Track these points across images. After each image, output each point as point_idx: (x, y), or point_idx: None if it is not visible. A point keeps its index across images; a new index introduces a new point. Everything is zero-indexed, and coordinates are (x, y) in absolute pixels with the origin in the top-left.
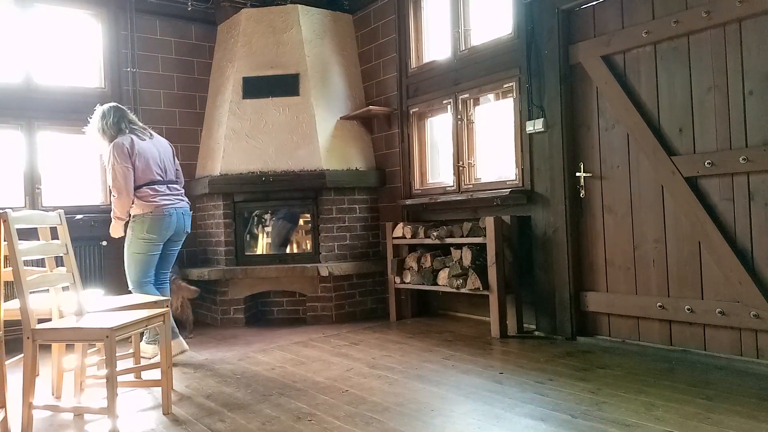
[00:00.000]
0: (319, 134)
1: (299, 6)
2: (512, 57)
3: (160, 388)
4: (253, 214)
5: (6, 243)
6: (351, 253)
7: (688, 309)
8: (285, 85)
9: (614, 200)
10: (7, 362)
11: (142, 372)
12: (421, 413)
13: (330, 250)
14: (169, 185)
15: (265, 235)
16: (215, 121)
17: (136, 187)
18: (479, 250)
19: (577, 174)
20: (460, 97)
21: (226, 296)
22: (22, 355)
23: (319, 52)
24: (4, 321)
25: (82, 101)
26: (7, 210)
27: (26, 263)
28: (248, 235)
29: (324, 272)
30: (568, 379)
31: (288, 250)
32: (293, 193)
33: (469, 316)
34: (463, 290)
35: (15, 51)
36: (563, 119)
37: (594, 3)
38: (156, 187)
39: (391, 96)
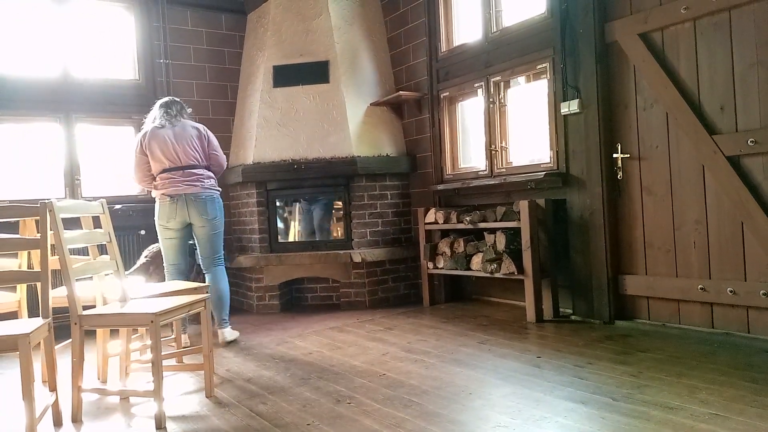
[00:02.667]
0: (349, 121)
1: None
2: (546, 37)
3: (202, 372)
4: (286, 202)
5: (52, 232)
6: (383, 239)
7: (731, 291)
8: (315, 73)
9: (653, 181)
10: (55, 347)
11: (183, 357)
12: (460, 396)
13: (362, 237)
14: (186, 170)
15: (297, 223)
16: (247, 110)
17: (156, 175)
18: (513, 235)
19: (614, 155)
20: (492, 79)
21: (261, 283)
22: (70, 340)
23: (348, 39)
24: (52, 308)
25: (117, 93)
26: (52, 200)
27: (71, 252)
28: (281, 223)
29: (357, 258)
30: (608, 362)
31: (321, 237)
32: (325, 180)
33: (503, 301)
34: (497, 275)
35: (52, 45)
36: (599, 99)
37: None
38: (168, 174)
39: (422, 80)
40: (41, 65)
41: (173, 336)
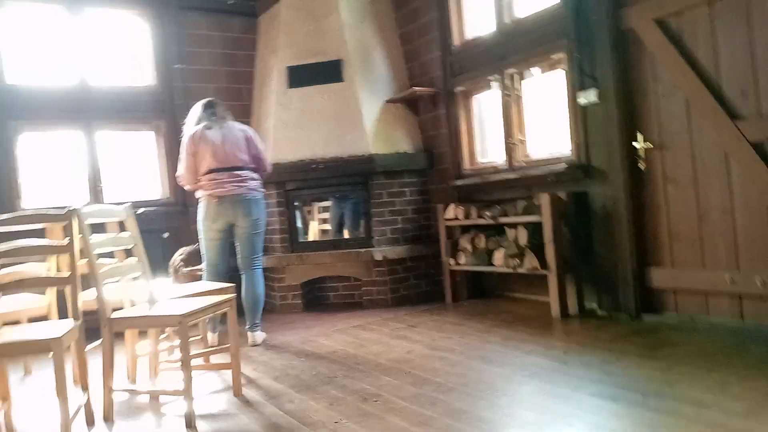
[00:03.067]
0: (365, 119)
1: None
2: (560, 26)
3: (228, 371)
4: (305, 201)
5: (80, 237)
6: (403, 237)
7: (761, 281)
8: (329, 72)
9: (676, 170)
10: (86, 348)
11: (210, 356)
12: (486, 393)
13: (382, 234)
14: (233, 171)
15: (317, 222)
16: (263, 111)
17: (201, 175)
18: (535, 229)
19: (635, 145)
20: (507, 72)
21: (284, 282)
22: (99, 341)
23: (360, 36)
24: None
25: (136, 99)
26: (78, 206)
27: (98, 256)
28: (301, 223)
29: (378, 256)
30: (636, 357)
31: (341, 236)
32: (343, 178)
33: (526, 297)
34: (520, 270)
35: (69, 55)
36: (617, 88)
37: None
38: (214, 175)
39: (436, 76)
40: (60, 75)
41: (200, 336)
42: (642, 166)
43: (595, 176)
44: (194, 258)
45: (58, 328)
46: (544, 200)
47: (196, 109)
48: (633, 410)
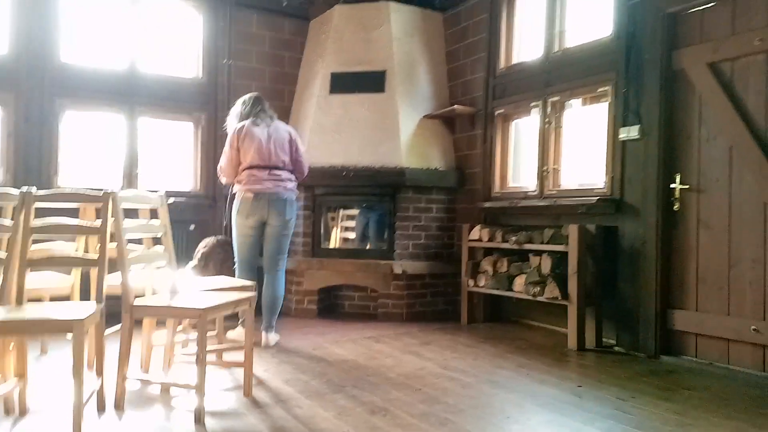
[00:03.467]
0: (401, 131)
1: (391, 3)
2: (609, 60)
3: (240, 370)
4: (332, 207)
5: (113, 220)
6: (425, 253)
7: None
8: (371, 82)
9: (711, 215)
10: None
11: (223, 353)
12: (496, 418)
13: (405, 248)
14: (272, 170)
15: (341, 229)
16: (302, 114)
17: (241, 170)
18: (560, 259)
19: (672, 186)
20: (550, 100)
21: (302, 287)
22: (117, 327)
23: (407, 50)
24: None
25: (180, 90)
26: (115, 190)
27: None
28: (325, 228)
29: (398, 270)
30: (652, 398)
31: (363, 246)
32: (372, 188)
33: (543, 326)
34: (540, 298)
35: (122, 39)
36: (661, 127)
37: (703, 7)
38: (254, 171)
39: (477, 96)
40: (110, 58)
41: (216, 331)
42: (676, 207)
43: (627, 212)
44: (217, 251)
45: (80, 309)
46: (572, 231)
47: (244, 103)
48: None
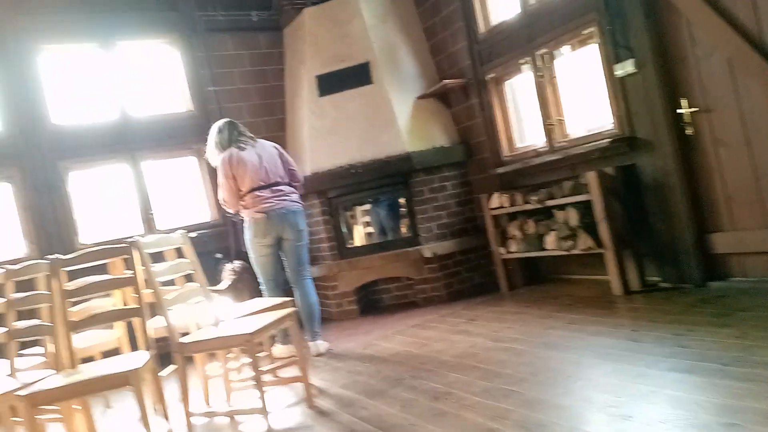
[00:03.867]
0: (398, 118)
1: None
2: (587, 1)
3: (299, 384)
4: (348, 207)
5: (143, 268)
6: (450, 231)
7: None
8: (357, 76)
9: (726, 132)
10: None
11: (278, 371)
12: (559, 380)
13: (429, 231)
14: (273, 187)
15: (362, 226)
16: (297, 123)
17: (242, 196)
18: (585, 208)
19: (679, 111)
20: (537, 53)
21: (337, 290)
22: (169, 367)
23: (384, 36)
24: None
25: (175, 126)
26: (137, 238)
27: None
28: (347, 228)
29: (427, 254)
30: (709, 327)
31: (388, 237)
32: (383, 180)
33: (583, 278)
34: (574, 251)
35: (108, 90)
36: (654, 56)
37: None
38: (257, 193)
39: (465, 66)
40: (101, 110)
41: (266, 352)
42: (689, 131)
43: (641, 148)
44: (245, 276)
45: (133, 360)
46: (591, 178)
47: (220, 132)
48: (713, 380)
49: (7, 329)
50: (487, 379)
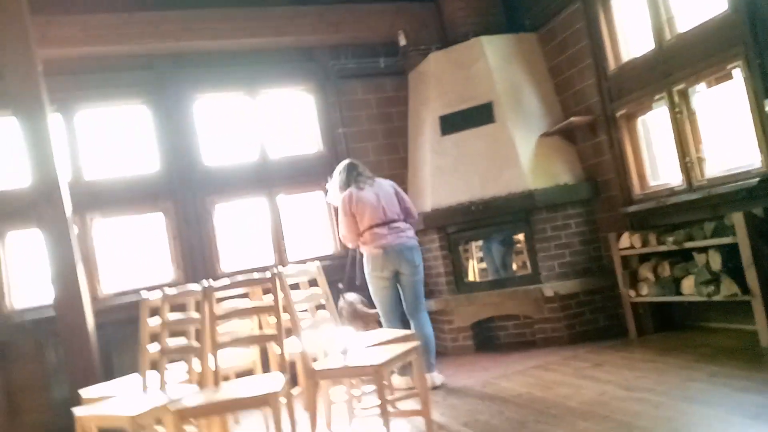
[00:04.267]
0: (520, 155)
1: (482, 38)
2: (732, 35)
3: (418, 418)
4: (467, 243)
5: (283, 295)
6: (573, 270)
7: None
8: (480, 115)
9: None
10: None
11: (397, 403)
12: None
13: (550, 270)
14: (391, 224)
15: (480, 262)
16: (419, 161)
17: (361, 233)
18: (729, 252)
19: None
20: (675, 89)
21: (453, 324)
22: (295, 389)
23: (508, 76)
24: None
25: (307, 165)
26: (280, 269)
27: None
28: (465, 264)
29: (548, 293)
30: None
31: (507, 274)
32: (503, 217)
33: (724, 326)
34: (716, 298)
35: (251, 133)
36: None
37: None
38: (375, 230)
39: (592, 103)
40: (244, 151)
41: (386, 383)
42: None
43: None
44: (356, 308)
45: (272, 383)
46: (737, 219)
47: (340, 173)
48: None
49: (161, 347)
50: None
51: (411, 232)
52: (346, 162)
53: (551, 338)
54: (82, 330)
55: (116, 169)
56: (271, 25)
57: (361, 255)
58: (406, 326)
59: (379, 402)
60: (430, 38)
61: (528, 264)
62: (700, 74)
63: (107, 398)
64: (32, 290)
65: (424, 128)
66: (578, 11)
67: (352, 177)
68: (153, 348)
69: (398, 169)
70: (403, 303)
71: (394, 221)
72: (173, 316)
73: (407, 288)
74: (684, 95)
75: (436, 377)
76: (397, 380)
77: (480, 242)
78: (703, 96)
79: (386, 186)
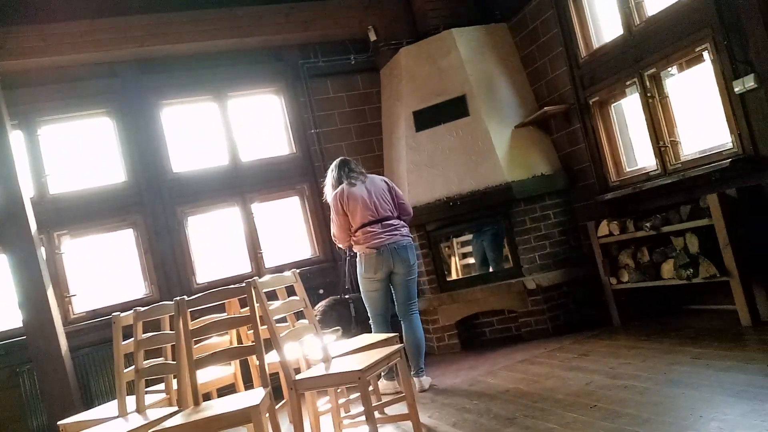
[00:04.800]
0: (496, 148)
1: (453, 30)
2: (699, 17)
3: (406, 422)
4: (447, 239)
5: (258, 305)
6: (554, 261)
7: None
8: (454, 109)
9: None
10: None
11: (385, 408)
12: (689, 421)
13: (531, 262)
14: (383, 222)
15: (462, 258)
16: (394, 158)
17: (353, 232)
18: (706, 234)
19: None
20: (646, 73)
21: (438, 324)
22: (282, 402)
23: (481, 68)
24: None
25: (280, 168)
26: (255, 278)
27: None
28: (446, 261)
29: (531, 285)
30: None
31: (489, 269)
32: (482, 211)
33: (705, 308)
34: (695, 280)
35: (220, 139)
36: None
37: None
38: (367, 228)
39: (565, 91)
40: (214, 158)
41: (371, 388)
42: None
43: (767, 166)
44: (336, 309)
45: (252, 397)
46: (712, 201)
47: (332, 171)
48: None
49: (135, 368)
50: (609, 420)
51: (405, 230)
52: (338, 159)
53: (536, 331)
54: (56, 355)
55: (82, 182)
56: (238, 26)
57: (354, 259)
58: (396, 328)
59: (363, 409)
60: (401, 33)
61: (508, 257)
62: (670, 58)
63: (86, 428)
64: (2, 314)
65: (398, 124)
66: (547, 0)
67: (344, 173)
68: (130, 369)
69: (374, 167)
70: (395, 303)
71: (387, 218)
72: (148, 335)
73: (400, 288)
74: (655, 79)
75: (424, 380)
76: (384, 384)
77: (465, 238)
78: (675, 79)
79: (378, 181)
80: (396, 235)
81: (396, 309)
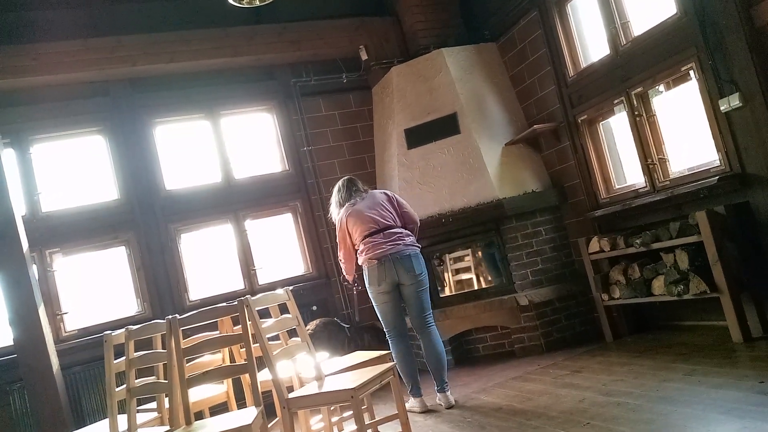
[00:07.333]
0: (487, 165)
1: (443, 49)
2: (684, 36)
3: None
4: (440, 256)
5: (251, 323)
6: (546, 278)
7: None
8: (445, 127)
9: None
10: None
11: (378, 426)
12: None
13: (524, 278)
14: (386, 231)
15: (455, 274)
16: (386, 176)
17: (358, 248)
18: (695, 250)
19: None
20: (633, 92)
21: None
22: (275, 420)
23: (471, 87)
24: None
25: (273, 185)
26: (248, 296)
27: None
28: (439, 277)
29: (523, 301)
30: None
31: (481, 285)
32: (474, 228)
33: (697, 324)
34: (686, 297)
35: (213, 157)
36: (763, 87)
37: None
38: (369, 239)
39: (554, 110)
40: (207, 175)
41: (365, 406)
42: None
43: (754, 183)
44: (329, 328)
45: (244, 417)
46: (700, 218)
47: (339, 190)
48: None
49: (127, 386)
50: None
51: (410, 239)
52: (344, 178)
53: (529, 347)
54: (47, 374)
55: (74, 200)
56: (230, 45)
57: (363, 286)
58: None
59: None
60: (392, 52)
61: (501, 274)
62: (657, 77)
63: None
64: None
65: (390, 142)
66: (535, 20)
67: (350, 193)
68: (122, 388)
69: (366, 184)
70: (409, 318)
71: (390, 227)
72: (140, 353)
73: (410, 300)
74: (642, 98)
75: (450, 396)
76: (411, 403)
77: (457, 255)
78: (662, 98)
79: (377, 194)
80: (399, 244)
81: (411, 323)
